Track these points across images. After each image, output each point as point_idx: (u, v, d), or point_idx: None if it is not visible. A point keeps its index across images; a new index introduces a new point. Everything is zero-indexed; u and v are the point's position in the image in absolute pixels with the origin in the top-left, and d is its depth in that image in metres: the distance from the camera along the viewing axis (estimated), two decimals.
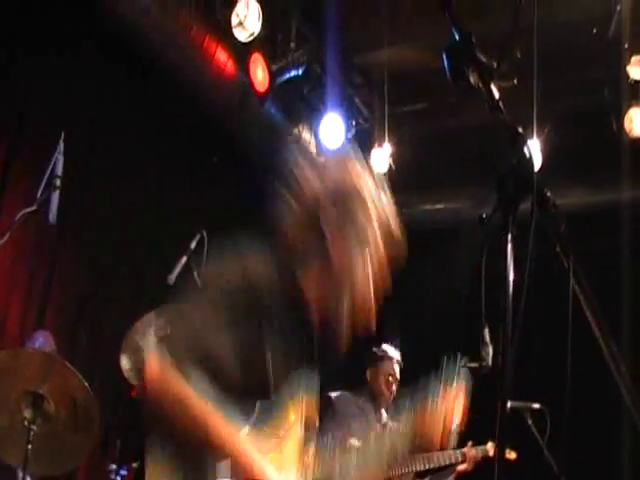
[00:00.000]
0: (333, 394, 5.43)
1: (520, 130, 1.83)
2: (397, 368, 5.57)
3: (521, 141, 1.82)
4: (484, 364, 1.59)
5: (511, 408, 5.17)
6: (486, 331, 1.64)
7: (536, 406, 4.75)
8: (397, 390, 5.54)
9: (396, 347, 5.68)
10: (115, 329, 4.62)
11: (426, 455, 5.20)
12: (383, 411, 5.50)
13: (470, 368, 1.64)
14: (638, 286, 6.93)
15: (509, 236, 1.85)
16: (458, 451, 5.28)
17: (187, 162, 6.96)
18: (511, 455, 5.35)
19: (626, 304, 6.52)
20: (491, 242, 1.96)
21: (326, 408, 5.59)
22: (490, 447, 5.29)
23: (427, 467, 5.19)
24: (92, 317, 5.95)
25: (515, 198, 1.86)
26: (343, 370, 2.77)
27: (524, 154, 1.81)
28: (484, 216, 2.00)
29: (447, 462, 5.27)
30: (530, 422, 4.77)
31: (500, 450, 1.50)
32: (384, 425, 5.41)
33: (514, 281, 1.74)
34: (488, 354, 1.61)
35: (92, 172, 6.03)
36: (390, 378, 5.52)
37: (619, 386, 1.76)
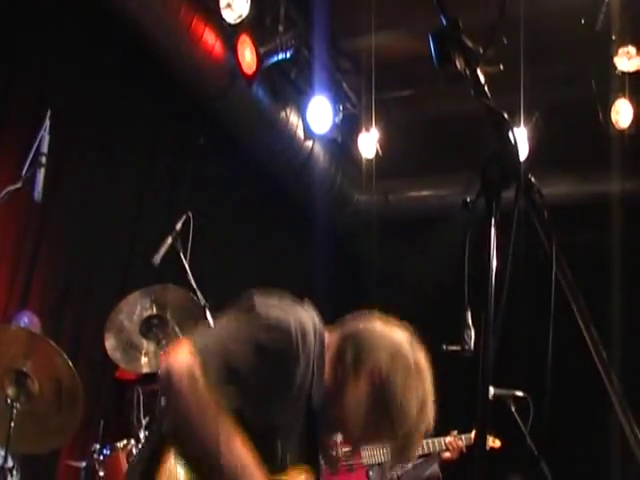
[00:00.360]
0: None
1: (505, 115, 1.84)
2: None
3: (506, 126, 1.81)
4: (466, 347, 1.61)
5: (494, 396, 5.22)
6: (468, 314, 1.65)
7: (519, 394, 4.78)
8: None
9: None
10: (100, 310, 4.62)
11: None
12: None
13: (452, 351, 1.66)
14: (625, 276, 6.98)
15: (492, 221, 1.86)
16: (442, 439, 5.31)
17: (174, 143, 6.93)
18: (495, 443, 5.40)
19: (614, 294, 6.57)
20: (475, 227, 1.97)
21: None
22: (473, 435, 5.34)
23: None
24: (77, 297, 5.93)
25: (499, 184, 1.86)
26: None
27: (509, 140, 1.81)
28: (468, 201, 2.01)
29: (431, 450, 5.28)
30: (513, 409, 4.80)
31: (481, 435, 1.51)
32: None
33: (497, 266, 1.75)
34: (470, 337, 1.62)
35: (78, 150, 5.99)
36: None
37: (601, 373, 1.78)
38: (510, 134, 1.82)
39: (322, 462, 2.30)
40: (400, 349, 2.16)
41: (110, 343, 4.36)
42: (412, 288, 8.10)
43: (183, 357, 2.02)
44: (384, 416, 2.14)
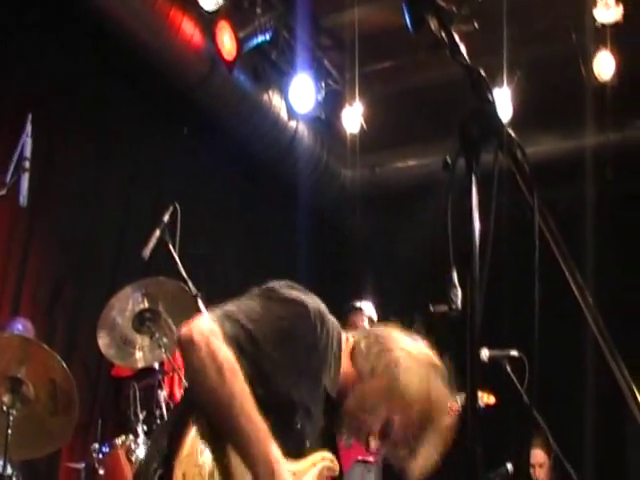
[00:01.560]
0: None
1: (482, 72, 1.80)
2: (365, 320, 5.50)
3: (483, 83, 1.78)
4: (453, 307, 1.55)
5: (490, 357, 5.20)
6: (454, 273, 1.60)
7: (514, 353, 4.75)
8: None
9: (370, 303, 5.64)
10: (92, 310, 4.58)
11: None
12: None
13: (439, 312, 1.60)
14: (604, 232, 6.97)
15: (473, 179, 1.83)
16: None
17: (157, 135, 6.87)
18: (490, 399, 5.35)
19: (592, 251, 6.55)
20: (457, 188, 1.94)
21: None
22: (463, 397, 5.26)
23: None
24: (68, 299, 5.88)
25: (479, 141, 1.84)
26: None
27: (487, 96, 1.78)
28: (448, 161, 1.98)
29: None
30: (509, 370, 4.77)
31: (472, 393, 1.47)
32: None
33: (481, 224, 1.72)
34: (457, 296, 1.57)
35: (61, 150, 5.94)
36: (356, 328, 5.47)
37: (589, 324, 1.74)
38: (487, 90, 1.79)
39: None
40: (418, 348, 2.22)
41: (103, 341, 4.31)
42: (403, 259, 8.07)
43: (204, 322, 2.04)
44: (398, 411, 2.16)
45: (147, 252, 4.78)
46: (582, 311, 1.84)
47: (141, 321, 4.40)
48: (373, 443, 2.21)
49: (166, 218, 4.86)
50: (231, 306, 2.12)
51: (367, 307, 5.57)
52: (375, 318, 5.53)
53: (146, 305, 4.38)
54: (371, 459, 5.14)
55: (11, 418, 3.78)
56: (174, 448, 1.98)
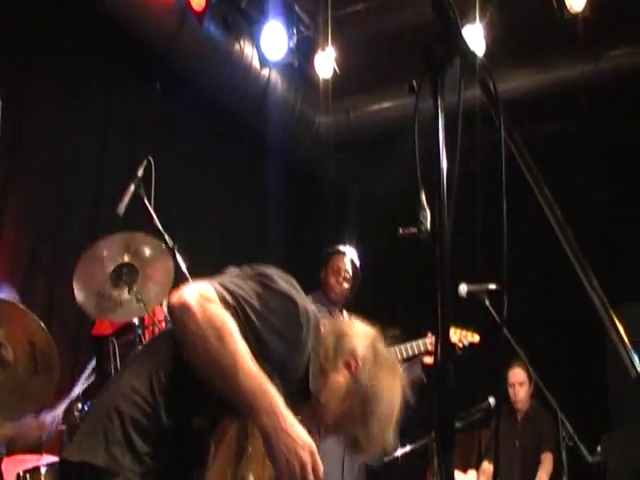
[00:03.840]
0: None
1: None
2: (349, 264, 5.50)
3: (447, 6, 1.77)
4: (423, 228, 1.53)
5: (468, 292, 5.22)
6: (422, 195, 1.58)
7: (492, 287, 4.76)
8: (352, 289, 5.50)
9: (350, 247, 5.63)
10: (71, 270, 4.53)
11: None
12: (345, 313, 5.42)
13: (408, 234, 1.58)
14: (588, 164, 6.98)
15: (439, 100, 1.81)
16: (420, 342, 5.23)
17: (129, 92, 6.78)
18: (474, 338, 5.39)
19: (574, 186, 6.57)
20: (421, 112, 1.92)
21: None
22: (452, 332, 5.21)
23: None
24: (46, 260, 5.82)
25: (443, 61, 1.83)
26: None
27: (449, 16, 1.73)
28: (414, 84, 1.96)
29: (410, 354, 5.22)
30: (487, 303, 4.79)
31: (443, 324, 1.44)
32: None
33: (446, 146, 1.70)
34: (426, 218, 1.55)
35: (32, 110, 5.83)
36: (339, 271, 5.46)
37: (567, 252, 1.73)
38: (450, 11, 1.77)
39: None
40: (375, 339, 2.28)
41: (79, 294, 4.26)
42: (382, 203, 8.05)
43: (197, 288, 2.02)
44: (359, 402, 2.19)
45: (122, 208, 4.73)
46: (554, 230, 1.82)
47: (118, 276, 4.34)
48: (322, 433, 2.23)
49: (140, 172, 4.82)
50: (224, 280, 2.10)
51: (349, 251, 5.55)
52: (357, 262, 5.52)
53: (124, 260, 4.33)
54: None
55: None
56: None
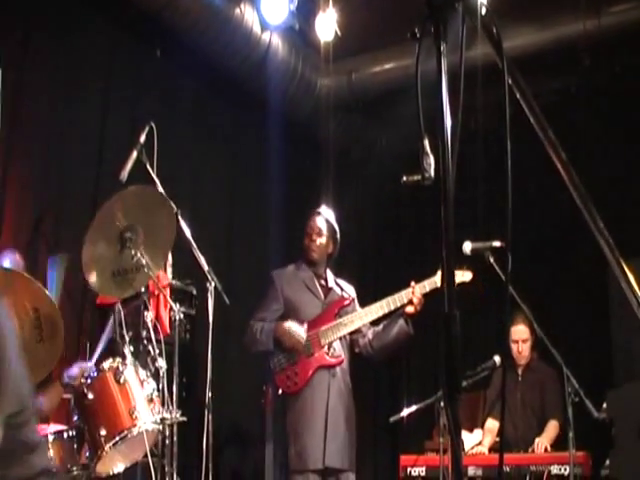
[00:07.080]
0: (275, 272, 5.34)
1: None
2: (321, 222, 5.32)
3: None
4: (426, 175, 1.51)
5: (473, 250, 5.21)
6: (426, 142, 1.56)
7: (496, 244, 4.71)
8: (330, 248, 5.36)
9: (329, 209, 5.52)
10: (74, 237, 4.50)
11: (366, 308, 5.15)
12: (328, 272, 5.37)
13: (412, 182, 1.56)
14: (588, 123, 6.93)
15: (442, 45, 1.80)
16: (402, 293, 5.07)
17: (129, 60, 6.73)
18: (465, 277, 5.15)
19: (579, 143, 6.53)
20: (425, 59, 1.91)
21: (268, 287, 5.58)
22: (439, 277, 4.88)
23: (370, 318, 5.13)
24: (49, 228, 5.80)
25: (445, 5, 1.82)
26: None
27: None
28: (416, 31, 1.94)
29: (392, 308, 5.10)
30: (492, 260, 4.75)
31: (449, 270, 1.43)
32: (329, 288, 5.31)
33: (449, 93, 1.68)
34: (430, 165, 1.53)
35: (33, 78, 5.79)
36: (310, 230, 5.31)
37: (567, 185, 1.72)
38: None
39: None
40: None
41: (95, 280, 4.19)
42: (385, 165, 8.01)
43: None
44: None
45: (125, 174, 4.71)
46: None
47: (122, 243, 4.26)
48: None
49: (142, 139, 4.78)
50: None
51: (325, 211, 5.42)
52: (335, 223, 5.36)
53: (123, 223, 4.25)
54: (333, 361, 5.08)
55: None
56: None
